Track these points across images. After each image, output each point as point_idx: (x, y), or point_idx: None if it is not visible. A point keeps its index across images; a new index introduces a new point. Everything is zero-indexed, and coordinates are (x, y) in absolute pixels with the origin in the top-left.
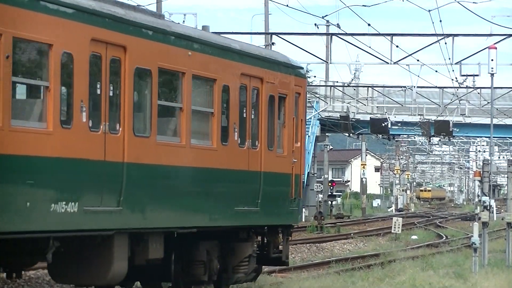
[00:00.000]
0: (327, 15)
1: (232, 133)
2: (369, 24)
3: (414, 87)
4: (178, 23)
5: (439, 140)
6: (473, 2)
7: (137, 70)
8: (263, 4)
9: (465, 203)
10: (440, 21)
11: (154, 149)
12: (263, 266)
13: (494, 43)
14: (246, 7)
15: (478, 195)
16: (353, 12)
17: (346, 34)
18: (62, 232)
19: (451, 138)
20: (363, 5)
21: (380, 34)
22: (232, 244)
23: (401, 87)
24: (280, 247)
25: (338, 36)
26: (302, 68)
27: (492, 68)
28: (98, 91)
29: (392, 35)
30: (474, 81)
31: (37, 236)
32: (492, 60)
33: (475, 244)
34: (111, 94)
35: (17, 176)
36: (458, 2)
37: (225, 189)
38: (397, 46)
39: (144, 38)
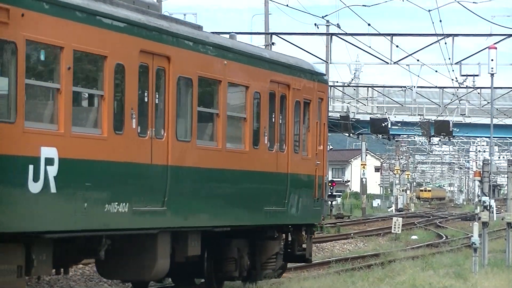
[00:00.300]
0: (327, 15)
1: (263, 137)
2: (369, 24)
3: (414, 87)
4: (214, 33)
5: (439, 140)
6: (473, 2)
7: (179, 79)
8: (263, 4)
9: (465, 203)
10: (440, 21)
11: (194, 152)
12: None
13: (494, 43)
14: (246, 7)
15: (478, 195)
16: (353, 12)
17: (346, 34)
18: (114, 230)
19: (451, 138)
20: (363, 5)
21: (380, 34)
22: (261, 242)
23: (401, 87)
24: (303, 245)
25: (338, 36)
26: (324, 74)
27: (492, 68)
28: (146, 99)
29: (392, 35)
30: (474, 81)
31: (93, 235)
32: (492, 60)
33: (475, 244)
34: (156, 101)
35: (77, 179)
36: (458, 2)
37: (256, 190)
38: (397, 46)
39: (186, 49)
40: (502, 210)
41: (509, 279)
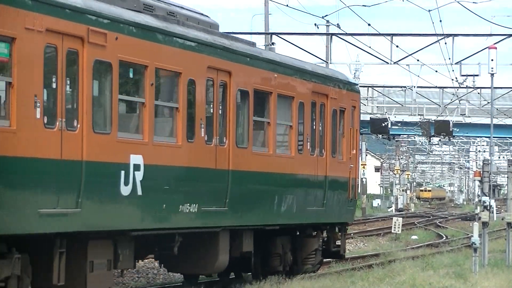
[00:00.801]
0: (327, 15)
1: (306, 143)
2: (369, 24)
3: (414, 87)
4: (265, 49)
5: (439, 140)
6: (473, 2)
7: (239, 91)
8: (263, 4)
9: (465, 203)
10: (440, 21)
11: (250, 158)
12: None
13: (494, 43)
14: (246, 7)
15: (478, 195)
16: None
17: (346, 34)
18: (185, 229)
19: (451, 138)
20: (363, 5)
21: (380, 34)
22: (302, 240)
23: (401, 87)
24: (337, 242)
25: (338, 36)
26: (356, 84)
27: (492, 68)
28: (211, 111)
29: (392, 35)
30: (474, 81)
31: (169, 233)
32: (492, 60)
33: (475, 244)
34: (220, 112)
35: (158, 182)
36: (458, 2)
37: (300, 192)
38: (397, 46)
39: (244, 64)
40: (502, 210)
41: (509, 279)
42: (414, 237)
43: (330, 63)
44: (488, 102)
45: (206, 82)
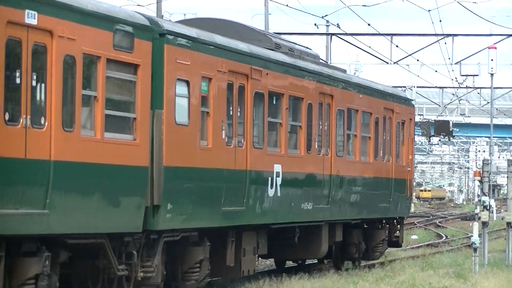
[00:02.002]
0: (327, 15)
1: (380, 151)
2: (369, 24)
3: (414, 87)
4: (352, 73)
5: (439, 140)
6: (473, 2)
7: (338, 110)
8: (263, 4)
9: (465, 203)
10: (440, 21)
11: (346, 164)
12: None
13: (494, 43)
14: (246, 7)
15: (478, 195)
16: (353, 12)
17: (346, 34)
18: (302, 222)
19: (451, 138)
20: (363, 5)
21: (380, 34)
22: (372, 231)
23: (401, 87)
24: (397, 233)
25: (338, 36)
26: (412, 100)
27: (492, 68)
28: (320, 127)
29: (392, 35)
30: (474, 81)
31: (292, 226)
32: (492, 60)
33: (475, 244)
34: (325, 128)
35: (290, 185)
36: (458, 2)
37: (375, 191)
38: (397, 46)
39: (340, 88)
40: (502, 210)
41: (509, 279)
42: (414, 237)
43: (330, 63)
44: (488, 102)
45: (318, 105)
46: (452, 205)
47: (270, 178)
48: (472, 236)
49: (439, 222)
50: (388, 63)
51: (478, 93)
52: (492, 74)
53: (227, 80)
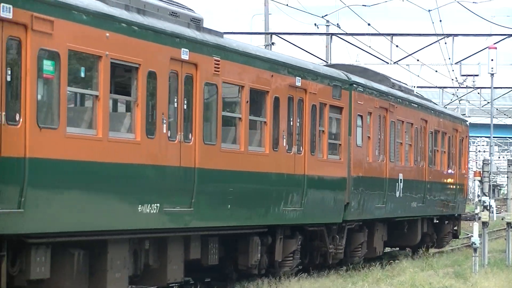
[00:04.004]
0: (327, 15)
1: (450, 162)
2: (369, 24)
3: (414, 87)
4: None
5: None
6: (473, 2)
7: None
8: (263, 4)
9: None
10: (440, 21)
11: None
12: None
13: (494, 43)
14: (246, 7)
15: (478, 195)
16: (353, 12)
17: (346, 34)
18: (409, 217)
19: None
20: (363, 5)
21: (380, 34)
22: (441, 225)
23: None
24: (455, 227)
25: (338, 36)
26: (467, 121)
27: (492, 68)
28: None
29: (392, 35)
30: (474, 81)
31: (402, 220)
32: (492, 60)
33: (475, 244)
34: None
35: (411, 189)
36: (458, 2)
37: (448, 193)
38: (397, 46)
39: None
40: (502, 210)
41: (509, 279)
42: None
43: (330, 63)
44: (488, 102)
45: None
46: None
47: (397, 184)
48: (472, 236)
49: None
50: (388, 63)
51: (478, 93)
52: (492, 74)
53: (378, 114)
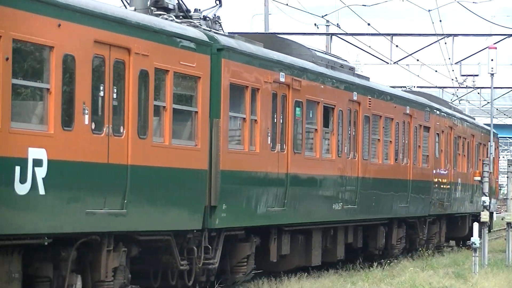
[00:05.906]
0: (327, 15)
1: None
2: (369, 24)
3: (414, 87)
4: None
5: None
6: (473, 2)
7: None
8: (263, 4)
9: None
10: (440, 21)
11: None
12: None
13: (494, 43)
14: (246, 7)
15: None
16: (353, 12)
17: (346, 34)
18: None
19: None
20: (363, 5)
21: (380, 34)
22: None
23: (401, 87)
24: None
25: (338, 36)
26: (489, 129)
27: (492, 68)
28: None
29: (392, 35)
30: (474, 81)
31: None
32: (492, 60)
33: (475, 244)
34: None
35: (461, 191)
36: (458, 2)
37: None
38: (397, 46)
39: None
40: (502, 210)
41: (509, 279)
42: None
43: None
44: (488, 102)
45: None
46: None
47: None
48: (472, 236)
49: None
50: (388, 63)
51: (478, 93)
52: (492, 74)
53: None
